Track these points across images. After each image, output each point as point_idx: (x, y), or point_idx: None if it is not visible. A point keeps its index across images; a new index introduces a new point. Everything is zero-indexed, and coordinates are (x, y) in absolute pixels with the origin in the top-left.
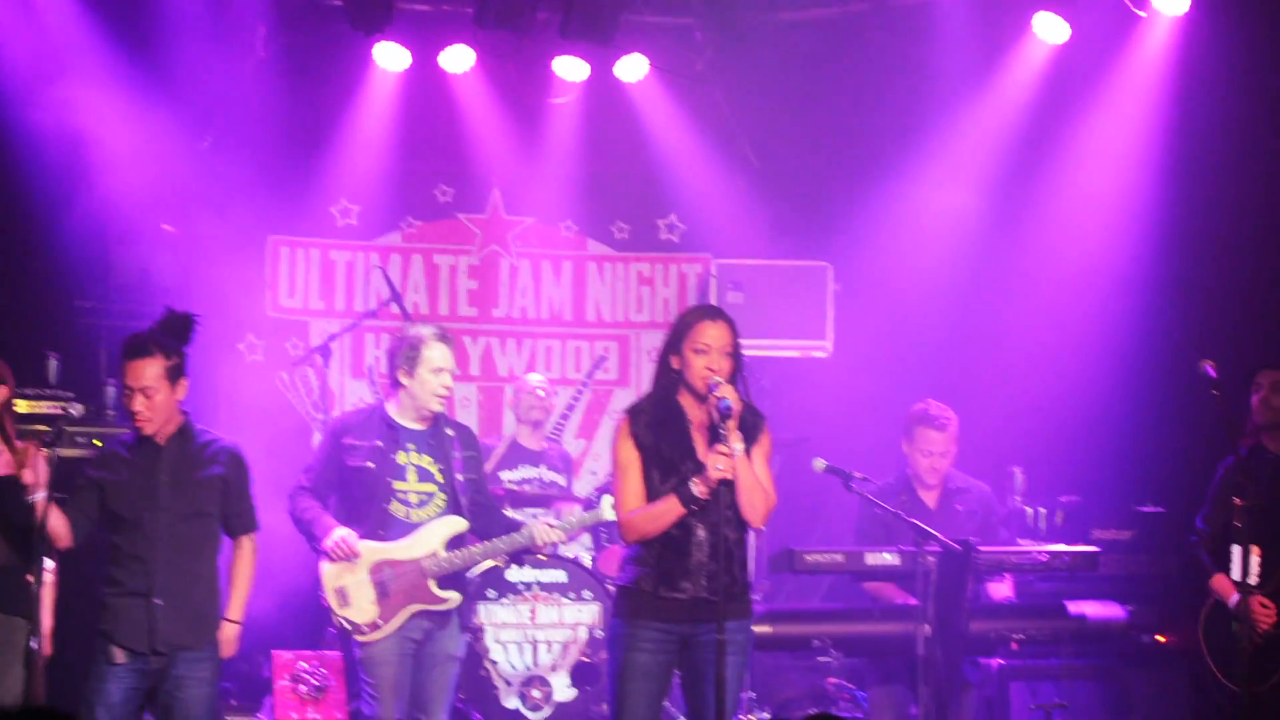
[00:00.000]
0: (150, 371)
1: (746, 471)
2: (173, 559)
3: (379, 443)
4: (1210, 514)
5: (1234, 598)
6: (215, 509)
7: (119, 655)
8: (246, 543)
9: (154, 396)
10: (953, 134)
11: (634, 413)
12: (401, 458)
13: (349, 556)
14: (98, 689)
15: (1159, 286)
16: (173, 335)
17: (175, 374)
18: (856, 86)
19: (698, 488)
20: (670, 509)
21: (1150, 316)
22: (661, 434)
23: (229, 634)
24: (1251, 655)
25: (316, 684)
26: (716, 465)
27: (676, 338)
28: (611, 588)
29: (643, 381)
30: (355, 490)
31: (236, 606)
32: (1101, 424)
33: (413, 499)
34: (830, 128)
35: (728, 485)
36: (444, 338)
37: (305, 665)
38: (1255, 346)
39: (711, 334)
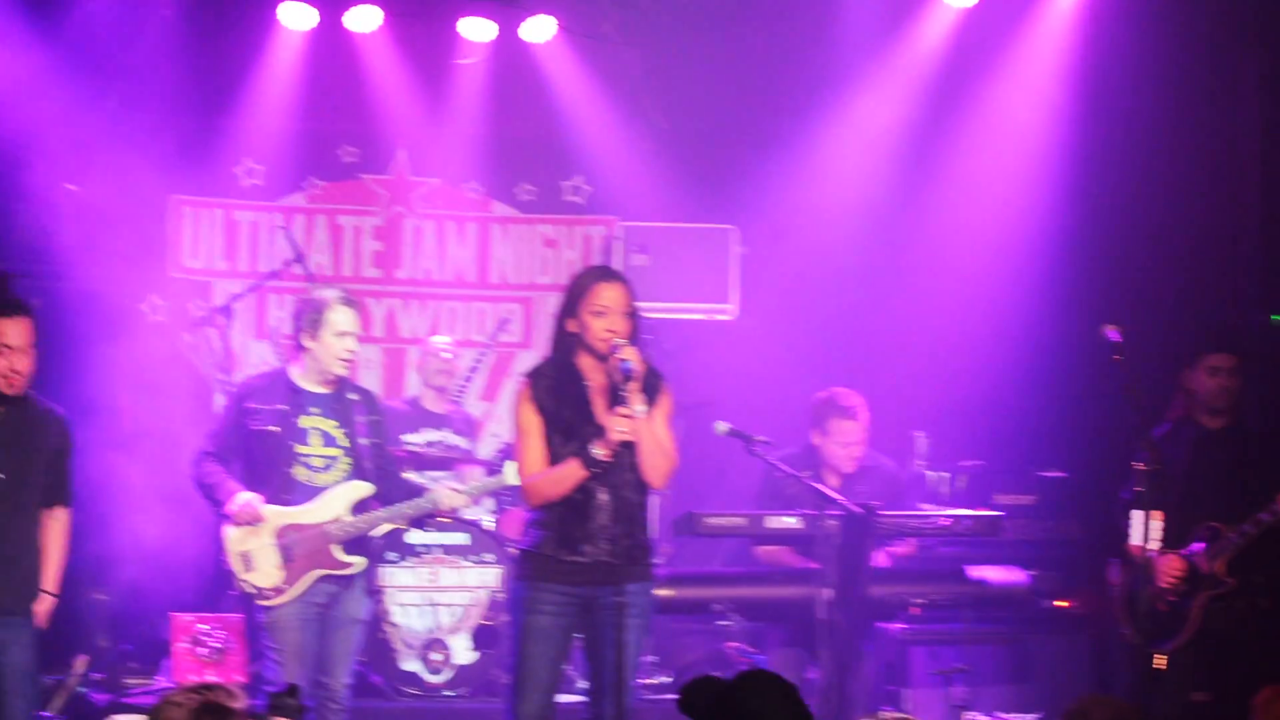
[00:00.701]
0: (22, 330)
1: (648, 433)
2: (5, 524)
3: (283, 406)
4: (1134, 480)
5: (1146, 555)
6: (42, 478)
7: None
8: (62, 515)
9: (25, 357)
10: (860, 97)
11: (533, 376)
12: (305, 421)
13: (254, 520)
14: None
15: (1063, 251)
16: None
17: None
18: (764, 49)
19: (599, 450)
20: (572, 472)
21: (1054, 281)
22: (561, 397)
23: (45, 606)
24: (1157, 616)
25: (216, 646)
26: (618, 427)
27: (573, 300)
28: (513, 551)
29: (547, 344)
30: (259, 454)
31: (52, 578)
32: (1004, 389)
33: (316, 463)
34: (738, 90)
35: (629, 447)
36: (349, 301)
37: (205, 628)
38: (1157, 313)
39: (609, 295)
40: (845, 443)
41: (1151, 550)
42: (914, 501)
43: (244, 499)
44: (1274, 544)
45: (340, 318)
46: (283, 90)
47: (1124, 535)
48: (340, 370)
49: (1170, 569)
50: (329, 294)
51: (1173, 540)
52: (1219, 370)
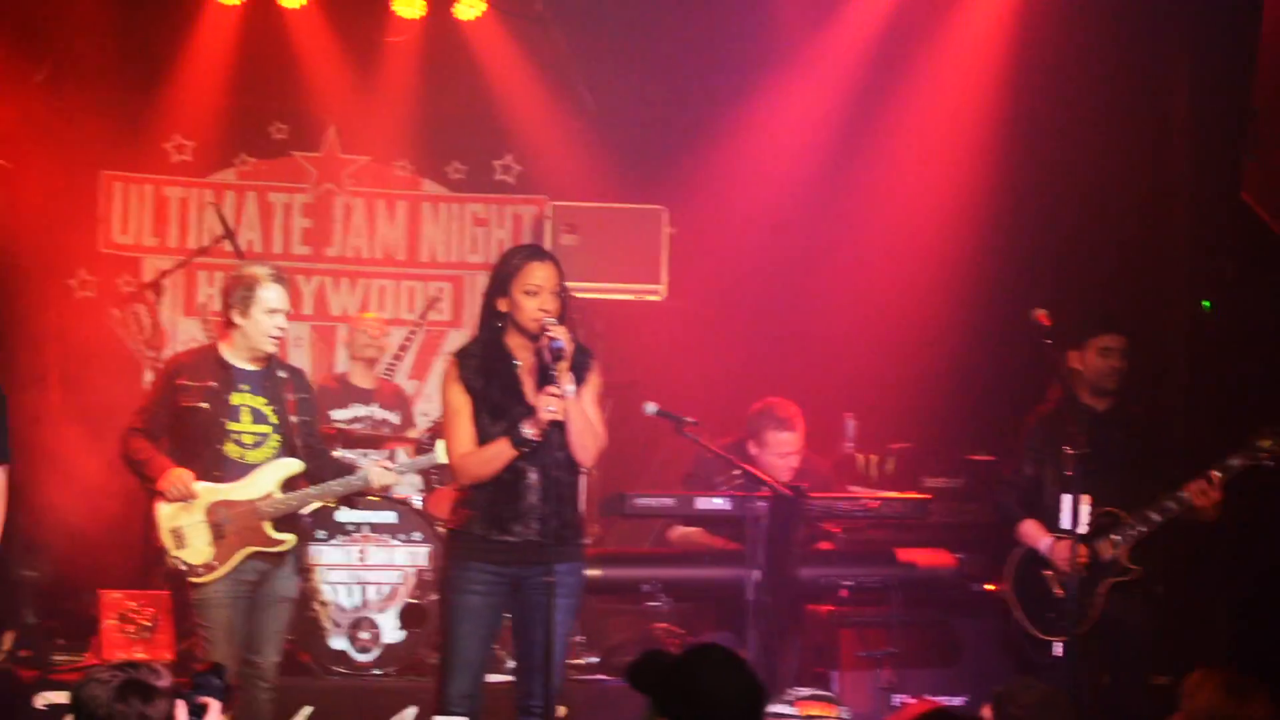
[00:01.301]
0: None
1: (578, 412)
2: None
3: (213, 383)
4: (1022, 465)
5: (1045, 541)
6: None
7: None
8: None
9: None
10: (791, 80)
11: (461, 356)
12: (235, 399)
13: (185, 496)
14: None
15: (993, 235)
16: None
17: None
18: (695, 30)
19: (529, 430)
20: (501, 452)
21: (983, 265)
22: (490, 377)
23: None
24: (1054, 603)
25: (145, 623)
26: (548, 407)
27: (503, 280)
28: (441, 529)
29: (476, 323)
30: (189, 431)
31: None
32: (933, 372)
33: (247, 440)
34: (668, 70)
35: (559, 427)
36: (279, 278)
37: (133, 605)
38: (1084, 297)
39: (541, 274)
40: (783, 454)
41: (1065, 535)
42: (843, 483)
43: (176, 474)
44: (1169, 532)
45: (270, 295)
46: (214, 66)
47: (1015, 519)
48: (269, 348)
49: (1072, 556)
50: (259, 271)
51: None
52: (1110, 351)
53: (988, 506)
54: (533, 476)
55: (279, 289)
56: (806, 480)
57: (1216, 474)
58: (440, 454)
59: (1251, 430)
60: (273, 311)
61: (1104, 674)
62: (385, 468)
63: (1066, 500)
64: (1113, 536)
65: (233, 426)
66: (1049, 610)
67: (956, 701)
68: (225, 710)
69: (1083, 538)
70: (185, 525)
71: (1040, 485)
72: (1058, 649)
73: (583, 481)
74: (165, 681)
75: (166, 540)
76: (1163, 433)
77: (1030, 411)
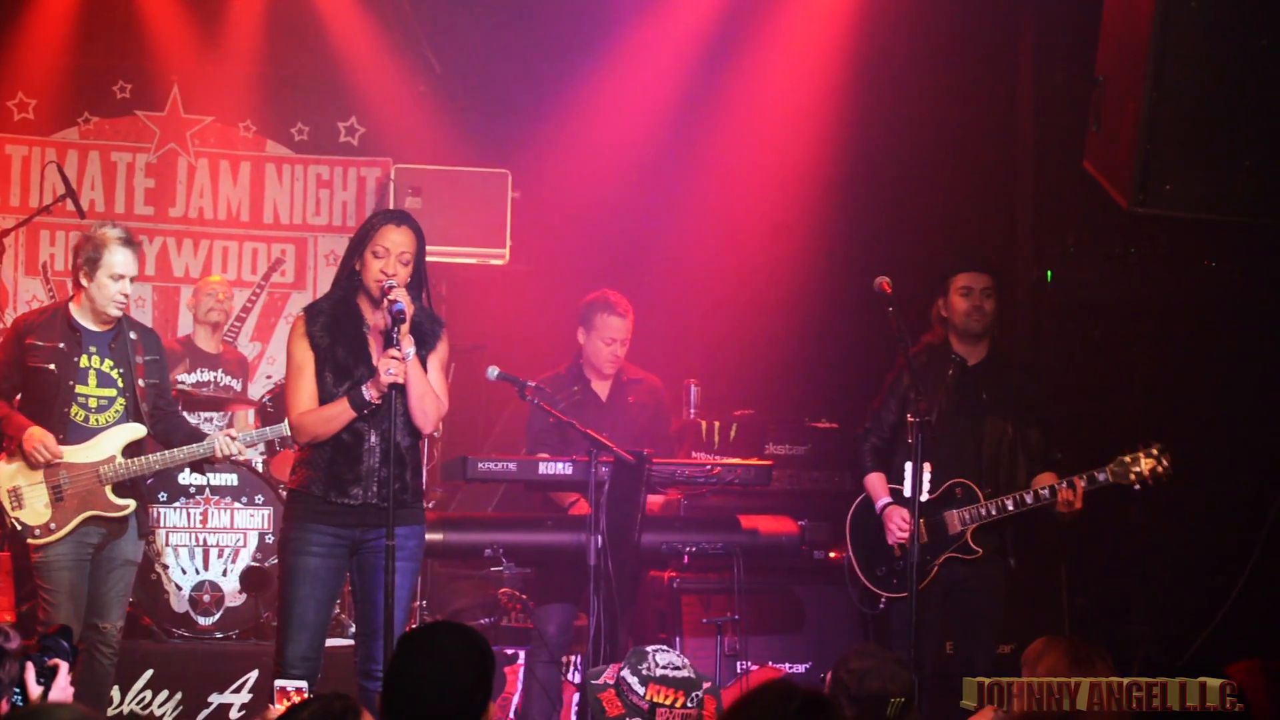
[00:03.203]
0: None
1: (418, 376)
2: None
3: (61, 345)
4: (884, 409)
5: (882, 501)
6: None
7: None
8: None
9: None
10: (636, 42)
11: (311, 312)
12: (84, 361)
13: (51, 458)
14: None
15: (838, 204)
16: None
17: None
18: None
19: (369, 392)
20: (342, 412)
21: (828, 234)
22: (337, 336)
23: None
24: (895, 559)
25: None
26: (388, 369)
27: (359, 240)
28: (284, 492)
29: (319, 285)
30: (36, 392)
31: None
32: (776, 339)
33: (92, 404)
34: (513, 32)
35: (401, 391)
36: (128, 242)
37: None
38: (929, 267)
39: (392, 238)
40: (610, 339)
41: (901, 502)
42: (687, 449)
43: (39, 434)
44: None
45: (116, 259)
46: (57, 24)
47: (863, 466)
48: (114, 311)
49: (899, 526)
50: (109, 233)
51: (900, 479)
52: (971, 291)
53: (832, 473)
54: (373, 439)
55: (126, 253)
56: (641, 390)
57: (1081, 484)
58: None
59: (1127, 446)
60: (118, 277)
61: (947, 641)
62: (231, 437)
63: (908, 468)
64: (963, 514)
65: (80, 390)
66: (880, 564)
67: (800, 669)
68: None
69: (931, 505)
70: (24, 486)
71: (899, 433)
72: (883, 604)
73: (424, 445)
74: (14, 644)
75: (4, 499)
76: (1038, 398)
77: (900, 355)
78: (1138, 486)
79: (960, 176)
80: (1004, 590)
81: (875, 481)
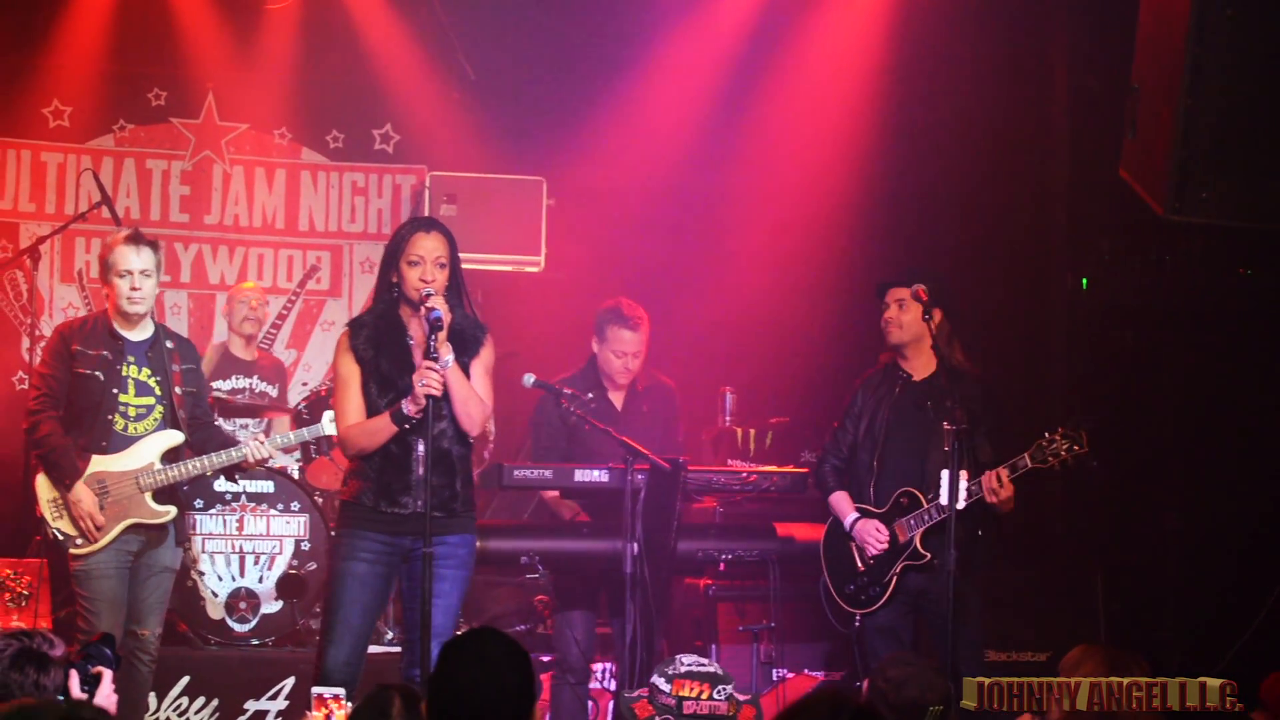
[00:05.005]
0: None
1: (460, 381)
2: None
3: (105, 353)
4: (841, 430)
5: (850, 517)
6: None
7: None
8: None
9: None
10: (671, 50)
11: (354, 326)
12: (124, 369)
13: (96, 527)
14: None
15: (873, 209)
16: None
17: None
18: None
19: (408, 407)
20: (384, 426)
21: (863, 239)
22: (381, 348)
23: None
24: (862, 575)
25: (22, 592)
26: (423, 381)
27: (393, 252)
28: (319, 499)
29: (354, 292)
30: (82, 400)
31: None
32: (812, 346)
33: (132, 412)
34: (547, 39)
35: (438, 401)
36: (134, 240)
37: (11, 573)
38: (965, 275)
39: (425, 245)
40: (621, 352)
41: (868, 515)
42: (722, 457)
43: (87, 505)
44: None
45: (119, 258)
46: (93, 32)
47: (827, 488)
48: (129, 309)
49: (878, 537)
50: (117, 234)
51: (872, 499)
52: (888, 304)
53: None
54: (420, 449)
55: (128, 250)
56: (655, 397)
57: (1005, 473)
58: (327, 425)
59: (1046, 430)
60: (125, 274)
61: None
62: (262, 442)
63: (945, 475)
64: (909, 520)
65: (121, 398)
66: (849, 582)
67: (835, 677)
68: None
69: (880, 518)
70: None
71: (855, 452)
72: (858, 621)
73: (475, 452)
74: (59, 651)
75: (46, 510)
76: (986, 410)
77: (859, 374)
78: (1058, 468)
79: (996, 184)
80: (968, 595)
81: (840, 500)
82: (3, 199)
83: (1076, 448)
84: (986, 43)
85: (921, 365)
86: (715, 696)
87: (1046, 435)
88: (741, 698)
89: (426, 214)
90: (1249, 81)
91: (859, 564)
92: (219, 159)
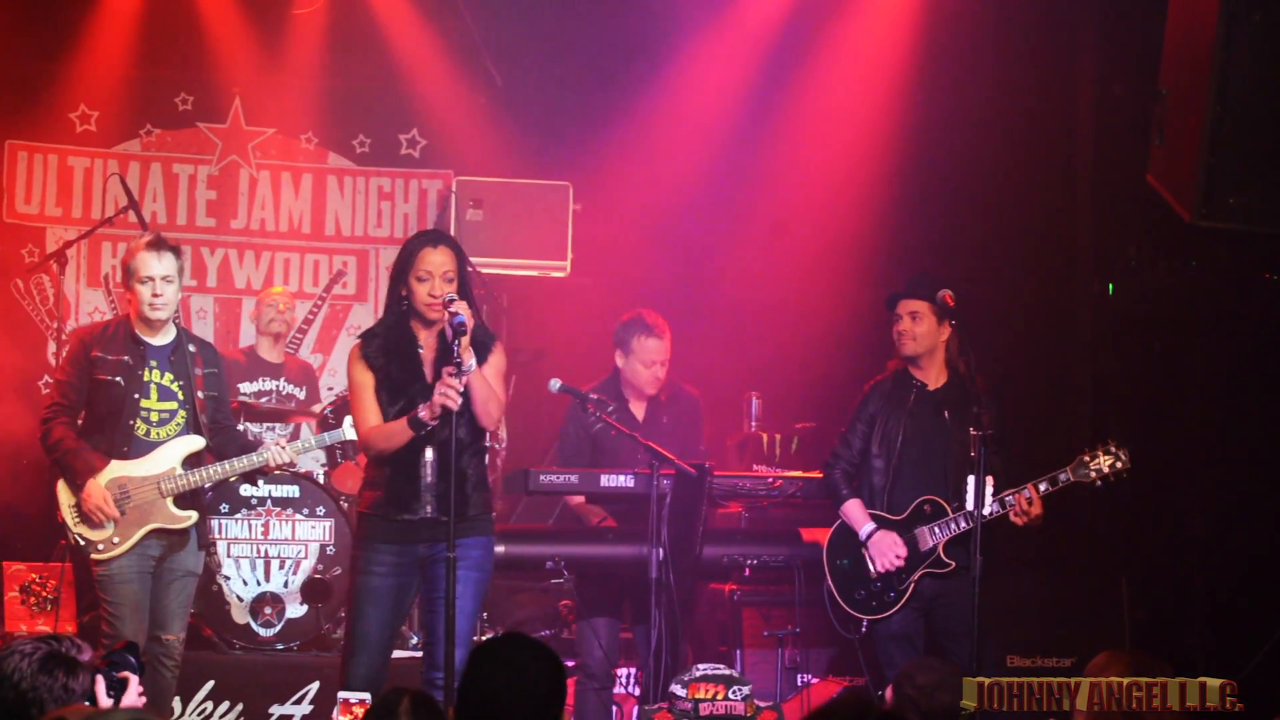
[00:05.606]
0: None
1: (481, 383)
2: None
3: (126, 358)
4: (852, 434)
5: (866, 528)
6: None
7: None
8: None
9: None
10: (698, 56)
11: (366, 337)
12: (146, 375)
13: (109, 519)
14: None
15: (899, 215)
16: None
17: None
18: (602, 6)
19: (423, 413)
20: (402, 430)
21: (889, 246)
22: (391, 357)
23: None
24: (873, 582)
25: (47, 596)
26: (442, 391)
27: (402, 266)
28: (344, 504)
29: (381, 297)
30: (102, 406)
31: None
32: (838, 351)
33: (154, 417)
34: (574, 44)
35: (453, 414)
36: (156, 245)
37: (36, 577)
38: (991, 279)
39: (433, 260)
40: (649, 362)
41: (886, 525)
42: (748, 462)
43: (96, 497)
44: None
45: (141, 263)
46: (119, 36)
47: (839, 496)
48: (151, 315)
49: (896, 552)
50: (139, 240)
51: (886, 506)
52: (900, 317)
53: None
54: (429, 455)
55: (147, 255)
56: (679, 405)
57: (1039, 489)
58: (348, 430)
59: (1087, 446)
60: (146, 280)
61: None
62: (283, 447)
63: (971, 481)
64: (933, 528)
65: (143, 404)
66: (859, 588)
67: (860, 682)
68: None
69: (901, 525)
70: None
71: (866, 458)
72: (865, 627)
73: (489, 459)
74: (87, 655)
75: (67, 515)
76: (992, 421)
77: (868, 380)
78: (1099, 484)
79: (1022, 189)
80: (985, 599)
81: (854, 509)
82: (30, 203)
83: (1119, 464)
84: (1013, 48)
85: (934, 375)
86: (731, 696)
87: (1089, 451)
88: (762, 704)
89: (453, 219)
90: (1276, 87)
91: (872, 570)
92: (245, 163)
